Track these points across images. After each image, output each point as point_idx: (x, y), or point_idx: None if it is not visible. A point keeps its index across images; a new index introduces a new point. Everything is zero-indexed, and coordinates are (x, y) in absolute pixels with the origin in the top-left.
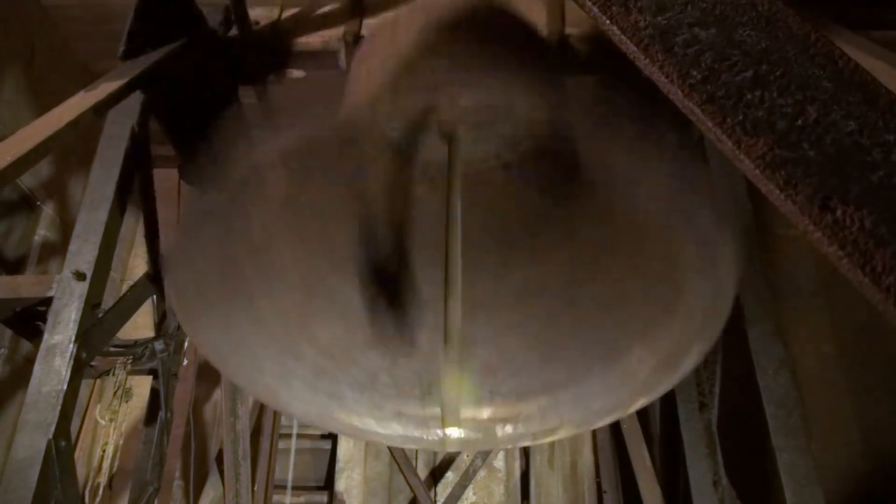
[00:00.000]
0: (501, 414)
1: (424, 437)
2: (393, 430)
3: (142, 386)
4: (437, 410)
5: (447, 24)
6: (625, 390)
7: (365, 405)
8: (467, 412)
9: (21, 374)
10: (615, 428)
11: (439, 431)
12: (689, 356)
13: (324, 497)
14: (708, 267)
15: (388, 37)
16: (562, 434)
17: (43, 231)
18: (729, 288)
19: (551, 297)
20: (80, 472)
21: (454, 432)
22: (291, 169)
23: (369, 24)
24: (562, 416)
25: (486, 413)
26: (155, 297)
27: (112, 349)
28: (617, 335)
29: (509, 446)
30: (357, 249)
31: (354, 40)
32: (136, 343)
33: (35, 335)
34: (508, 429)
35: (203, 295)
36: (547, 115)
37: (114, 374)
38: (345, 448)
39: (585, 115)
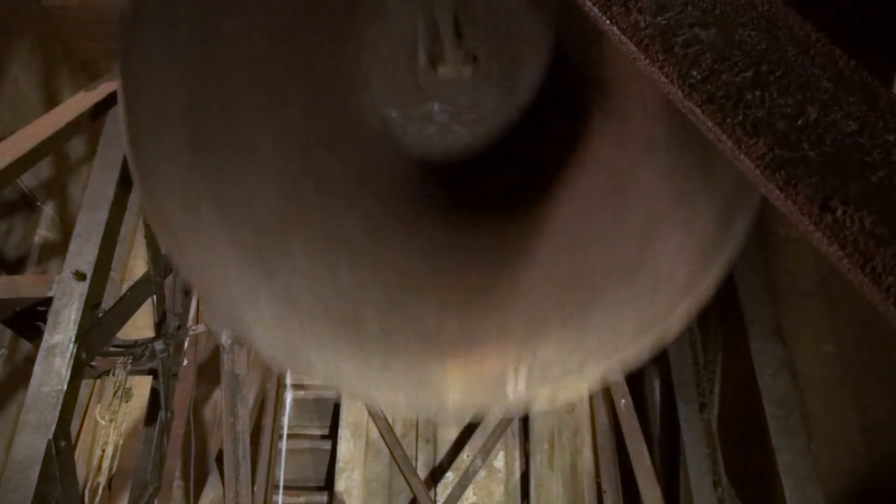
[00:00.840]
0: (512, 357)
1: (420, 396)
2: (380, 386)
3: (142, 386)
4: (435, 365)
5: None
6: (659, 296)
7: (345, 350)
8: (471, 362)
9: (21, 374)
10: (615, 428)
11: (438, 390)
12: (732, 231)
13: (324, 497)
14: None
15: None
16: (589, 374)
17: (43, 231)
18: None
19: (563, 230)
20: (80, 472)
21: (455, 390)
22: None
23: None
24: (586, 349)
25: (493, 360)
26: (155, 297)
27: (112, 349)
28: (642, 239)
29: (522, 403)
30: (344, 171)
31: None
32: (136, 343)
33: (35, 335)
34: (521, 377)
35: (163, 139)
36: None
37: (114, 374)
38: (345, 448)
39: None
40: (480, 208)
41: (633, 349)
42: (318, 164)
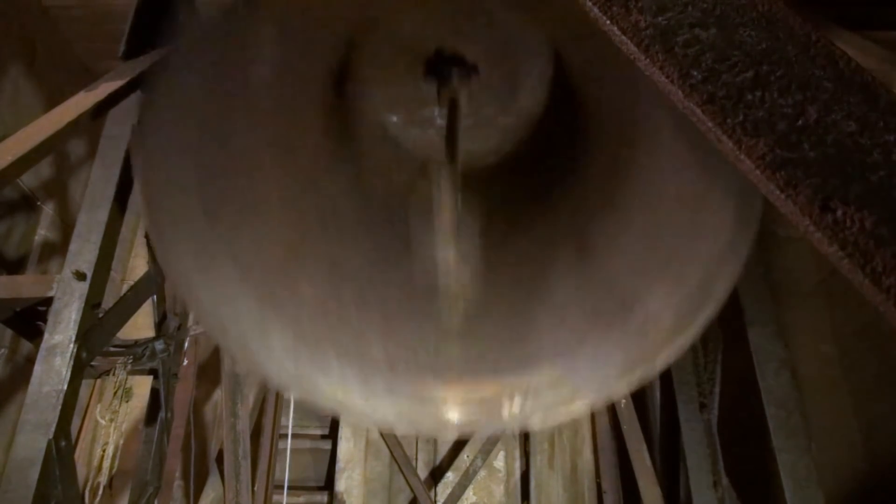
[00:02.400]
0: (508, 387)
1: (420, 418)
2: (385, 410)
3: (142, 386)
4: (435, 388)
5: None
6: (647, 340)
7: (351, 376)
8: (469, 387)
9: (21, 374)
10: (615, 428)
11: (437, 411)
12: (716, 286)
13: (324, 497)
14: (727, 190)
15: None
16: (579, 406)
17: (43, 231)
18: (752, 216)
19: (559, 262)
20: (80, 472)
21: (454, 413)
22: (279, 82)
23: None
24: (576, 383)
25: (489, 387)
26: (155, 297)
27: (112, 349)
28: (633, 282)
29: (517, 427)
30: (348, 207)
31: None
32: (136, 343)
33: (35, 335)
34: (516, 405)
35: (176, 206)
36: (547, 93)
37: (114, 374)
38: (345, 448)
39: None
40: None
41: (619, 387)
42: (322, 196)
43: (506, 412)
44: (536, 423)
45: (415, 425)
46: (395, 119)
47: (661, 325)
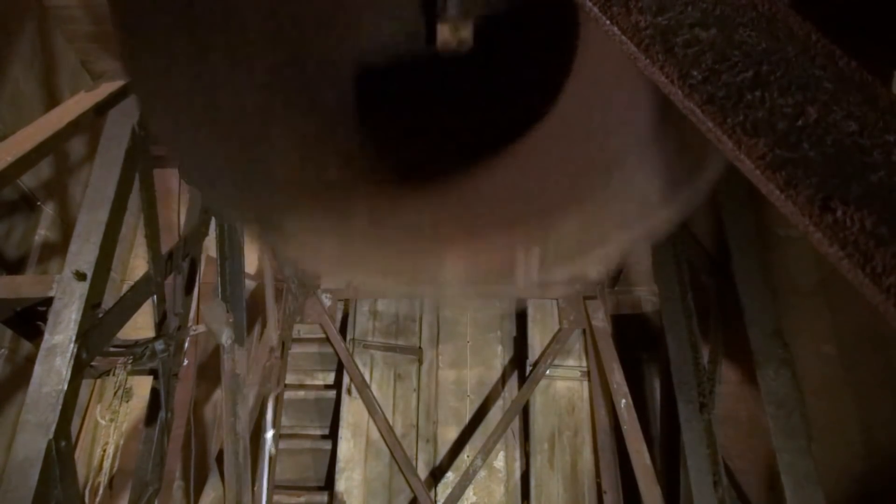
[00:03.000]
0: (518, 237)
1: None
2: (364, 269)
3: (142, 386)
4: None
5: None
6: (688, 154)
7: (331, 229)
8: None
9: (21, 374)
10: (615, 428)
11: (436, 266)
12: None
13: (324, 497)
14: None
15: None
16: (609, 251)
17: (43, 231)
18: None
19: (571, 123)
20: (80, 472)
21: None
22: None
23: None
24: (608, 220)
25: (502, 246)
26: (155, 297)
27: (112, 349)
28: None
29: (520, 284)
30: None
31: None
32: (136, 343)
33: (35, 335)
34: (534, 256)
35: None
36: None
37: (114, 374)
38: (345, 448)
39: None
40: (485, 106)
41: (661, 214)
42: (306, 45)
43: (520, 272)
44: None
45: (406, 291)
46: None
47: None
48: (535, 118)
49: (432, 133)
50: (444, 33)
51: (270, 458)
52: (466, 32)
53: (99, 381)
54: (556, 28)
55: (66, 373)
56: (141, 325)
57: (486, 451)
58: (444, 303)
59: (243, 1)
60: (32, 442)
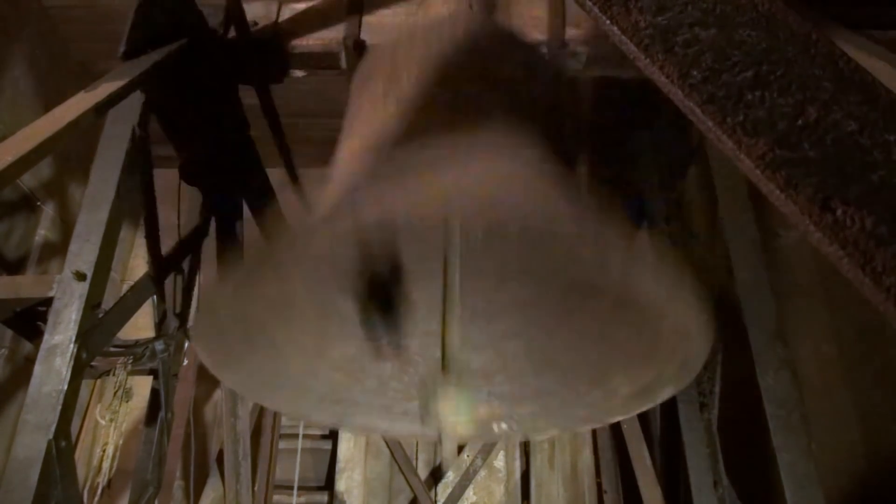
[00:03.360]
0: (496, 414)
1: (429, 433)
2: (401, 427)
3: (142, 386)
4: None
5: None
6: (604, 408)
7: (376, 408)
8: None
9: (21, 374)
10: (615, 428)
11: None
12: (662, 393)
13: (324, 497)
14: (686, 324)
15: (381, 98)
16: (548, 434)
17: (43, 231)
18: (703, 344)
19: (547, 318)
20: (80, 472)
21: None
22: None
23: (369, 23)
24: (549, 419)
25: (482, 412)
26: (155, 297)
27: (112, 349)
28: (601, 365)
29: (503, 439)
30: (356, 272)
31: (354, 45)
32: (136, 343)
33: (35, 335)
34: (503, 426)
35: (228, 349)
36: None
37: (114, 374)
38: (345, 448)
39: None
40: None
41: (580, 428)
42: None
43: (495, 431)
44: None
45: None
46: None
47: (618, 398)
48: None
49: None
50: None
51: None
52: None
53: (99, 381)
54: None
55: (66, 373)
56: (141, 325)
57: (486, 451)
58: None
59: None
60: (32, 442)
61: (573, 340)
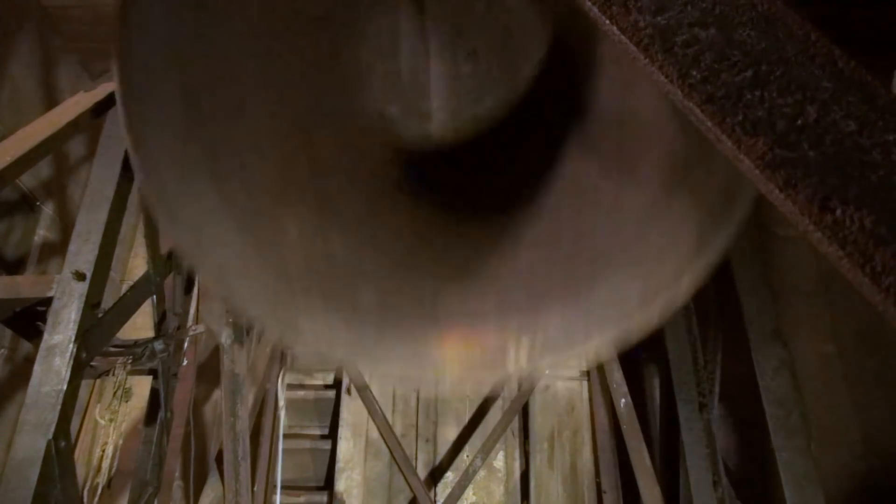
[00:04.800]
0: (506, 342)
1: (420, 364)
2: (378, 354)
3: (142, 386)
4: (432, 331)
5: None
6: (669, 261)
7: (340, 320)
8: (469, 330)
9: (21, 374)
10: (615, 428)
11: (433, 360)
12: (736, 202)
13: (324, 497)
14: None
15: None
16: (593, 347)
17: (43, 231)
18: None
19: (562, 208)
20: (80, 472)
21: (453, 363)
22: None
23: None
24: (591, 319)
25: (491, 341)
26: (155, 297)
27: (112, 349)
28: (646, 208)
29: (512, 373)
30: (339, 149)
31: None
32: (136, 343)
33: (35, 335)
34: (525, 347)
35: (159, 115)
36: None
37: (114, 374)
38: (345, 448)
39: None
40: (481, 191)
41: (640, 317)
42: (314, 144)
43: (511, 361)
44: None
45: (409, 375)
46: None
47: (678, 250)
48: (530, 212)
49: (432, 217)
50: (437, 131)
51: (270, 459)
52: (460, 131)
53: (98, 381)
54: (547, 125)
55: (65, 373)
56: (141, 325)
57: (486, 451)
58: (441, 389)
59: (254, 96)
60: (32, 442)
61: (584, 247)
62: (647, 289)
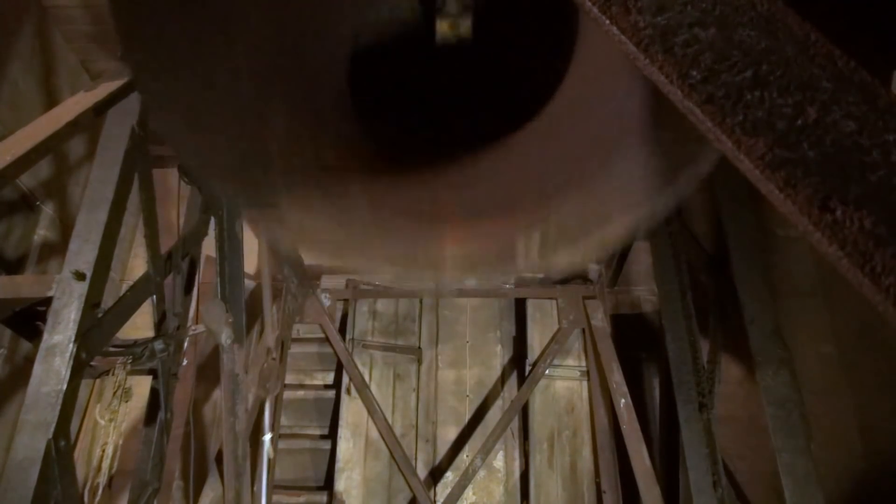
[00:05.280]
0: (520, 221)
1: (424, 245)
2: (362, 253)
3: (142, 386)
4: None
5: None
6: (686, 142)
7: (335, 209)
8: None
9: (21, 374)
10: (615, 428)
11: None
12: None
13: (323, 497)
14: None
15: None
16: (608, 235)
17: (43, 231)
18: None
19: (571, 109)
20: (80, 472)
21: (458, 252)
22: None
23: None
24: (608, 203)
25: (503, 229)
26: (155, 297)
27: (112, 349)
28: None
29: (522, 268)
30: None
31: None
32: (135, 343)
33: (35, 335)
34: (535, 240)
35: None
36: None
37: (114, 374)
38: (344, 448)
39: None
40: (485, 93)
41: (658, 201)
42: (302, 51)
43: (521, 256)
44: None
45: (405, 274)
46: None
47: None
48: (536, 105)
49: (431, 118)
50: (442, 28)
51: (269, 460)
52: (465, 28)
53: (98, 380)
54: (555, 19)
55: (65, 373)
56: (140, 325)
57: (486, 451)
58: (443, 290)
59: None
60: (32, 442)
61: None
62: (665, 168)
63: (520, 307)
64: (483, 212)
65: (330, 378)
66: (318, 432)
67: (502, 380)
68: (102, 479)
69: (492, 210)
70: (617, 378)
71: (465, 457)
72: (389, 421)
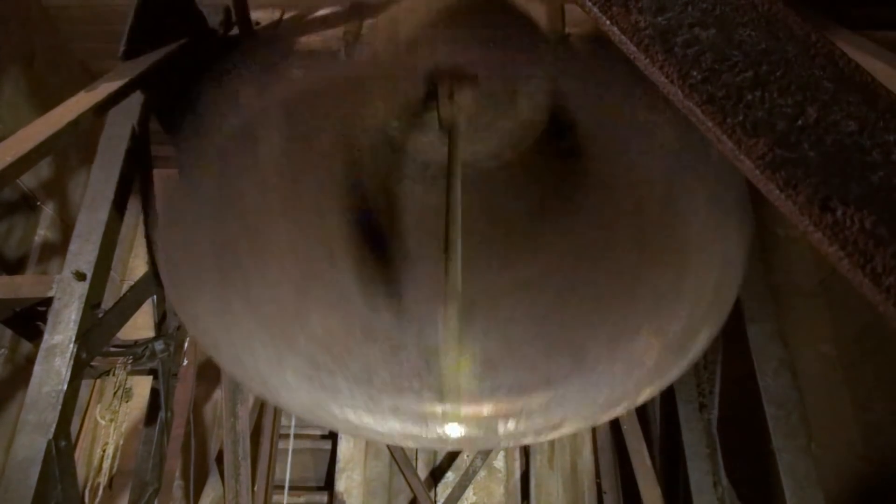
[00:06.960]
0: (503, 409)
1: (423, 434)
2: (390, 428)
3: (142, 386)
4: (437, 408)
5: (447, 12)
6: (631, 379)
7: (361, 399)
8: (468, 407)
9: (21, 374)
10: (615, 428)
11: (438, 429)
12: (696, 340)
13: (324, 497)
14: (712, 246)
15: (389, 26)
16: (565, 430)
17: (43, 231)
18: (736, 267)
19: (553, 288)
20: (80, 472)
21: (454, 429)
22: (286, 148)
23: (369, 24)
24: (565, 410)
25: (486, 409)
26: (155, 297)
27: (112, 349)
28: (621, 321)
29: (511, 444)
30: (353, 235)
31: (354, 40)
32: (136, 343)
33: (35, 335)
34: (510, 425)
35: (196, 274)
36: (546, 103)
37: (114, 374)
38: (345, 448)
39: (584, 98)
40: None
41: (604, 417)
42: (328, 231)
43: (501, 431)
44: (527, 442)
45: (417, 441)
46: (396, 125)
47: (647, 361)
48: (518, 267)
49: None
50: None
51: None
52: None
53: (99, 381)
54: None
55: (65, 373)
56: (141, 325)
57: (486, 451)
58: (443, 449)
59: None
60: (32, 442)
61: (586, 305)
62: (612, 397)
63: None
64: (475, 391)
65: None
66: (318, 432)
67: None
68: (103, 479)
69: (482, 392)
70: None
71: (465, 457)
72: None
